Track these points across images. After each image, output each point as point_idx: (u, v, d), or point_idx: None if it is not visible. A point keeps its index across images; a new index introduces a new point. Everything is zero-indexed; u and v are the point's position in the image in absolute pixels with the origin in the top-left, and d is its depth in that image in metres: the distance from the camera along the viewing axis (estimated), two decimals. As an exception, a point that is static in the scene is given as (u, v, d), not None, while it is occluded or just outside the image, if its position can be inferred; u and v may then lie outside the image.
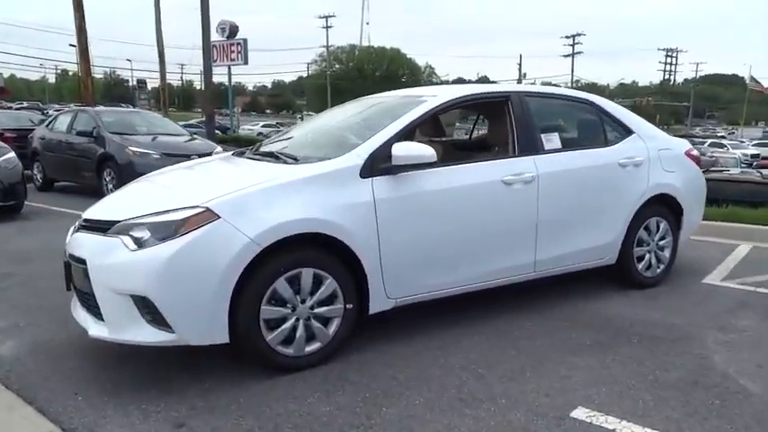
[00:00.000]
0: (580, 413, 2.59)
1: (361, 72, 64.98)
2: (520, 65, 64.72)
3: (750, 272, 4.89)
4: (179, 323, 2.72)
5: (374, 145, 3.20)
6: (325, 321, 3.05)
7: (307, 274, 2.94)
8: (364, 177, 3.13)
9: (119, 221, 2.87)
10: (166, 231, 2.74)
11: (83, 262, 2.89)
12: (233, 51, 23.98)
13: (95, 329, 2.88)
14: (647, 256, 4.35)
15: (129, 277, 2.73)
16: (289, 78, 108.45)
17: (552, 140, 3.85)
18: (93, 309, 2.91)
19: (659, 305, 4.05)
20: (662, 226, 4.39)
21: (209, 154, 9.10)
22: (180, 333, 2.73)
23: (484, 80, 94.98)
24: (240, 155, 3.93)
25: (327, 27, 60.68)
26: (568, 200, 3.84)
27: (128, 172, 8.53)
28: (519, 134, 3.73)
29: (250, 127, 39.86)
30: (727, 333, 3.54)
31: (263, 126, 40.76)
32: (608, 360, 3.14)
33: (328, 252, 3.01)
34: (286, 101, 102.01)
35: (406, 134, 3.33)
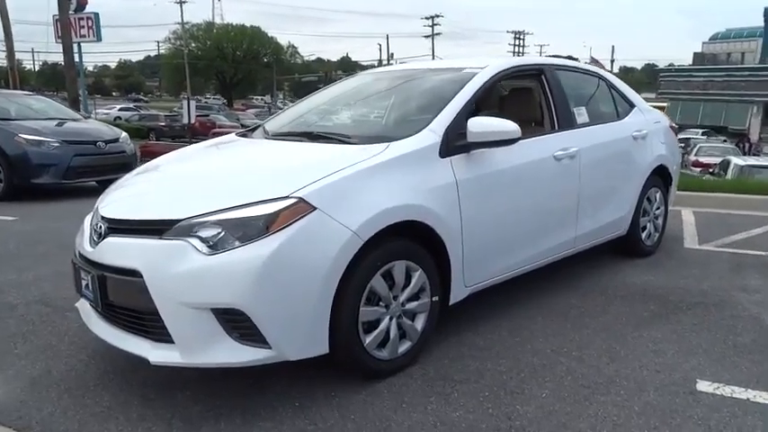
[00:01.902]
0: (704, 386, 2.57)
1: (221, 51, 62.04)
2: (388, 44, 65.67)
3: (715, 235, 5.27)
4: (277, 336, 2.28)
5: (446, 121, 2.91)
6: (413, 317, 2.75)
7: (399, 268, 2.62)
8: (443, 157, 2.84)
9: (179, 220, 2.34)
10: (252, 229, 2.28)
11: (134, 273, 2.33)
12: (83, 27, 21.65)
13: (159, 355, 2.34)
14: (648, 225, 4.50)
15: (209, 287, 2.24)
16: (136, 58, 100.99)
17: (582, 114, 3.80)
18: (154, 329, 2.36)
19: (672, 272, 4.20)
20: (658, 196, 4.56)
21: (117, 140, 8.13)
22: (278, 348, 2.30)
23: (347, 61, 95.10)
24: (260, 136, 3.45)
25: (182, 2, 56.90)
26: (601, 174, 3.84)
27: (21, 165, 7.31)
28: (557, 108, 3.63)
29: (105, 111, 36.38)
30: (751, 294, 3.75)
31: (120, 110, 37.54)
32: (679, 330, 3.18)
33: (417, 241, 2.70)
34: (135, 82, 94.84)
35: (471, 109, 3.08)
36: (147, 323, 2.38)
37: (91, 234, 2.65)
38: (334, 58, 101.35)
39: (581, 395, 2.50)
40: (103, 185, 8.49)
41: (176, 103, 57.34)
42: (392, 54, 64.33)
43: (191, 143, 20.33)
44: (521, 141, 3.12)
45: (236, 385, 2.59)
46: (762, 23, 42.26)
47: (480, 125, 2.88)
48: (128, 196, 2.74)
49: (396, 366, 2.68)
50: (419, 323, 2.76)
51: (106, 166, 7.84)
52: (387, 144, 2.72)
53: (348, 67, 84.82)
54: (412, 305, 2.71)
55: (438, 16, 64.13)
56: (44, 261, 4.64)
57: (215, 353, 2.28)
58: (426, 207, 2.68)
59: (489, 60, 3.42)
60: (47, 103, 8.94)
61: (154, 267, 2.30)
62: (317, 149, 2.90)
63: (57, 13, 18.17)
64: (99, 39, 21.56)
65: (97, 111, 35.54)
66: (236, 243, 2.27)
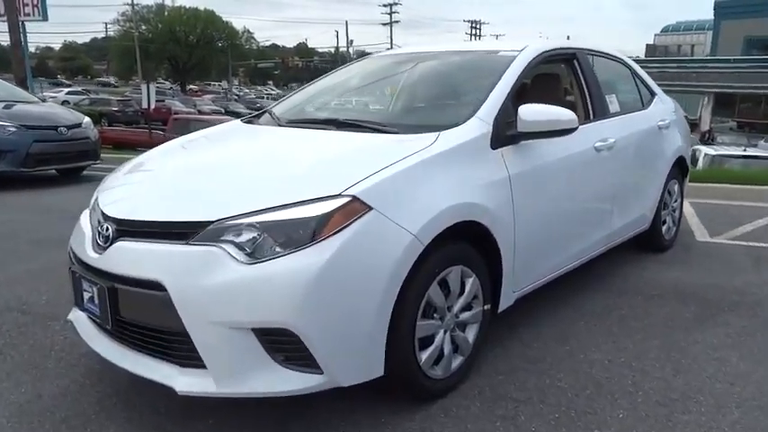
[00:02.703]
0: (787, 400, 2.36)
1: (173, 35, 59.92)
2: (347, 31, 64.93)
3: (723, 227, 5.15)
4: (330, 359, 1.94)
5: (494, 108, 2.60)
6: (464, 329, 2.45)
7: (455, 274, 2.31)
8: (494, 148, 2.53)
9: (209, 222, 1.96)
10: (299, 233, 1.92)
11: (156, 286, 1.94)
12: (27, 4, 20.33)
13: (188, 383, 1.96)
14: (668, 219, 4.32)
15: (250, 303, 1.88)
16: (82, 40, 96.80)
17: (614, 102, 3.55)
18: (180, 352, 1.99)
19: (696, 267, 4.02)
20: (676, 188, 4.38)
21: (79, 125, 7.52)
22: (330, 373, 1.95)
23: (303, 47, 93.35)
24: (271, 123, 3.06)
25: (132, -19, 54.43)
26: (633, 166, 3.61)
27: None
28: (592, 95, 3.37)
29: (52, 94, 34.49)
30: (786, 291, 3.61)
31: (68, 93, 35.70)
32: (732, 334, 2.97)
33: (471, 244, 2.39)
34: (81, 65, 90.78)
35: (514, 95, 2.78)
36: (172, 344, 2.00)
37: (95, 237, 2.23)
38: (291, 44, 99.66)
39: (660, 415, 2.25)
40: (65, 175, 8.01)
41: (127, 88, 55.31)
42: (351, 41, 63.52)
43: (149, 130, 19.43)
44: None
45: (269, 412, 2.24)
46: (711, 17, 43.44)
47: (534, 113, 2.58)
48: (138, 193, 2.32)
49: (449, 385, 2.38)
50: (471, 335, 2.47)
51: (68, 154, 7.24)
52: (436, 134, 2.39)
53: (305, 53, 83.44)
54: (465, 316, 2.41)
55: (396, 4, 63.61)
56: (13, 259, 4.13)
57: (257, 380, 1.93)
58: (484, 205, 2.37)
59: (526, 42, 3.11)
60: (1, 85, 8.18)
61: (181, 279, 1.92)
62: (352, 140, 2.54)
63: (-2, -11, 16.96)
64: (45, 17, 20.26)
65: (44, 94, 33.70)
66: (278, 249, 1.92)
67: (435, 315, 2.26)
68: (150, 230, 2.07)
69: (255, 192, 2.07)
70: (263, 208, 1.97)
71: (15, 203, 6.28)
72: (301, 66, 67.50)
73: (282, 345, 1.93)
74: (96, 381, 2.50)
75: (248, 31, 71.37)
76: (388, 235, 2.01)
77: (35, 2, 20.00)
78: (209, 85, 72.86)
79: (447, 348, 2.33)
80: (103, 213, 2.23)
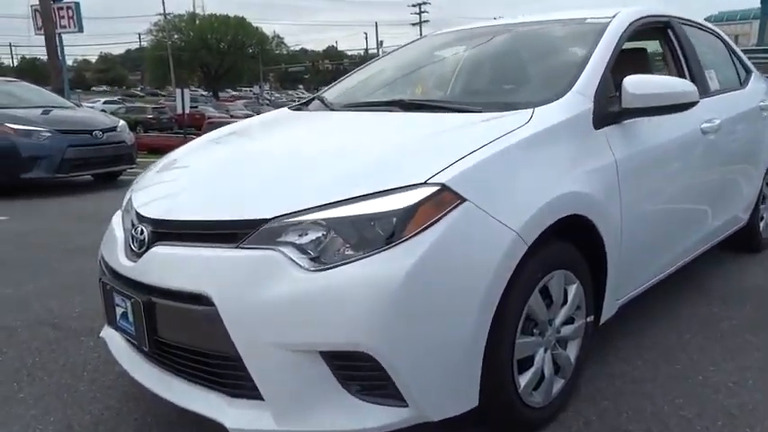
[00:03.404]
0: None
1: (205, 42, 60.56)
2: (377, 32, 64.72)
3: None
4: (417, 389, 1.55)
5: (594, 80, 2.18)
6: (566, 346, 2.04)
7: (557, 281, 1.90)
8: (597, 128, 2.11)
9: (264, 221, 1.60)
10: (377, 232, 1.54)
11: (200, 300, 1.59)
12: (63, 17, 20.54)
13: (241, 417, 1.59)
14: (765, 214, 3.81)
15: (316, 321, 1.50)
16: (117, 51, 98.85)
17: (713, 79, 3.09)
18: (231, 379, 1.62)
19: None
20: (774, 178, 3.87)
21: (114, 129, 7.31)
22: (417, 406, 1.56)
23: (333, 50, 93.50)
24: (324, 108, 2.70)
25: (164, -7, 55.24)
26: (737, 152, 3.14)
27: (9, 158, 6.47)
28: (692, 70, 2.91)
29: (89, 105, 35.04)
30: None
31: (104, 103, 36.28)
32: None
33: (574, 244, 1.98)
34: (116, 76, 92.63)
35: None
36: (221, 370, 1.64)
37: (128, 242, 1.89)
38: (320, 48, 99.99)
39: (823, 453, 1.80)
40: (101, 180, 7.81)
41: (160, 97, 55.99)
42: (381, 42, 63.24)
43: (185, 136, 19.48)
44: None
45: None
46: (756, 5, 41.88)
47: (642, 85, 2.15)
48: (176, 190, 1.96)
49: (549, 415, 1.97)
50: (573, 353, 2.05)
51: (104, 158, 7.03)
52: (530, 111, 1.98)
53: (335, 56, 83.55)
54: (567, 330, 2.00)
55: (425, 3, 63.11)
56: (45, 270, 3.86)
57: (325, 415, 1.55)
58: (590, 196, 1.95)
59: (616, 9, 2.68)
60: (33, 90, 8.04)
61: (231, 290, 1.55)
62: (427, 121, 2.15)
63: (35, 3, 17.16)
64: (80, 29, 20.42)
65: (81, 104, 34.19)
66: (349, 252, 1.54)
67: (535, 331, 1.85)
68: (192, 232, 1.71)
69: (318, 183, 1.69)
70: (331, 202, 1.59)
71: (48, 210, 6.07)
72: (331, 68, 67.50)
73: (358, 372, 1.55)
74: (134, 407, 2.16)
75: (278, 36, 71.97)
76: (485, 233, 1.62)
77: (71, 14, 20.23)
78: (240, 90, 73.44)
79: (548, 370, 1.92)
80: (138, 214, 1.89)
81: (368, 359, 1.50)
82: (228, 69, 63.70)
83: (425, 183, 1.59)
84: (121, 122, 7.64)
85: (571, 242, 1.95)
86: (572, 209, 1.87)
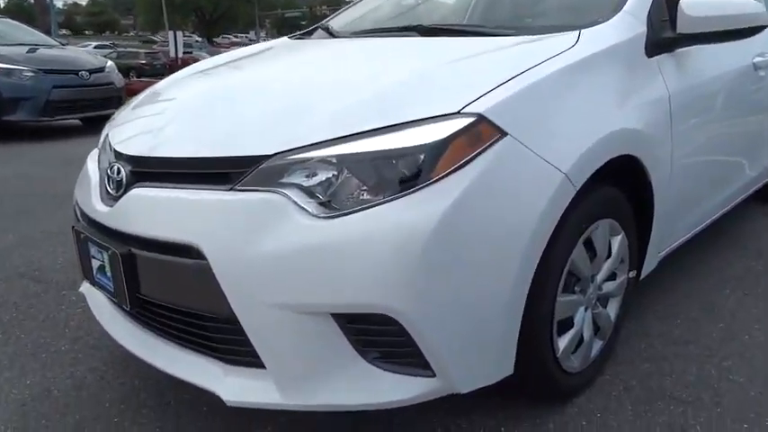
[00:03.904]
0: None
1: (199, -16, 58.50)
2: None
3: None
4: (447, 357, 1.31)
5: (645, 1, 1.87)
6: (606, 304, 1.81)
7: (602, 231, 1.65)
8: (650, 56, 1.82)
9: (264, 157, 1.33)
10: (401, 171, 1.27)
11: (189, 252, 1.33)
12: (49, -45, 19.70)
13: (239, 388, 1.36)
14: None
15: (327, 277, 1.25)
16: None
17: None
18: (226, 344, 1.39)
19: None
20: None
21: (102, 69, 6.92)
22: (445, 375, 1.33)
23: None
24: (330, 37, 2.38)
25: (155, -69, 52.88)
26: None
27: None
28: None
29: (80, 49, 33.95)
30: None
31: (95, 47, 35.22)
32: None
33: (619, 189, 1.71)
34: (108, 20, 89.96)
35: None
36: (215, 333, 1.40)
37: (103, 183, 1.62)
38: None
39: None
40: (90, 125, 7.45)
41: (153, 44, 54.39)
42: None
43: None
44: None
45: (348, 419, 1.65)
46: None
47: (703, 6, 1.85)
48: (160, 124, 1.64)
49: (586, 380, 1.75)
50: (613, 312, 1.82)
51: (92, 101, 6.67)
52: (575, 33, 1.68)
53: (333, 1, 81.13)
54: (608, 287, 1.76)
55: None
56: (27, 218, 3.60)
57: (339, 386, 1.32)
58: (643, 134, 1.68)
59: None
60: (15, 27, 7.57)
61: (225, 241, 1.30)
62: (454, 45, 1.84)
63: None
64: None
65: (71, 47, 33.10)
66: (367, 196, 1.28)
67: (577, 288, 1.61)
68: (178, 172, 1.44)
69: (328, 114, 1.41)
70: (344, 135, 1.32)
71: (33, 155, 5.76)
72: (329, 14, 65.55)
73: (377, 336, 1.31)
74: (121, 369, 1.94)
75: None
76: (529, 174, 1.35)
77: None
78: (236, 36, 71.52)
79: (587, 332, 1.69)
80: (116, 152, 1.61)
81: (389, 322, 1.26)
82: (223, 14, 61.86)
83: (459, 113, 1.32)
84: (109, 63, 7.23)
85: (617, 187, 1.69)
86: (624, 148, 1.60)
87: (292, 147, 1.32)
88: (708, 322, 2.16)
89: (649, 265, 2.00)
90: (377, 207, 1.25)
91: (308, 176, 1.30)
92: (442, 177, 1.26)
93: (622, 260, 1.78)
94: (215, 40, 62.50)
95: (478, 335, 1.35)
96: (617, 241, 1.72)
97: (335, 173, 1.30)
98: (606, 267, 1.71)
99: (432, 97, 1.38)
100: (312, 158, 1.31)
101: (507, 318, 1.37)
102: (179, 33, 16.38)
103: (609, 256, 1.71)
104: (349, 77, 1.66)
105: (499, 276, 1.32)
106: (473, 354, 1.36)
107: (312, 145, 1.32)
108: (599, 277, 1.69)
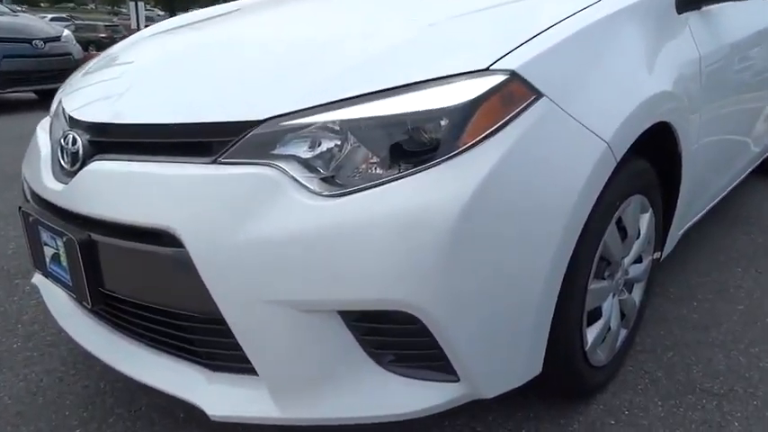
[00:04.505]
0: None
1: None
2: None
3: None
4: (474, 359, 1.12)
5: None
6: (632, 289, 1.64)
7: (633, 209, 1.46)
8: (680, 12, 1.63)
9: (254, 123, 1.09)
10: (421, 139, 1.06)
11: (161, 238, 1.10)
12: None
13: (226, 401, 1.15)
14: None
15: (333, 268, 1.03)
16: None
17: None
18: (209, 347, 1.17)
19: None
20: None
21: (58, 39, 6.47)
22: (472, 380, 1.14)
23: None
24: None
25: None
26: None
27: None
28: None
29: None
30: None
31: (51, 20, 33.77)
32: None
33: (649, 161, 1.53)
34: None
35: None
36: (195, 335, 1.18)
37: (56, 156, 1.36)
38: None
39: None
40: (46, 98, 6.99)
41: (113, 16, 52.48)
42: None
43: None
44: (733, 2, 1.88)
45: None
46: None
47: None
48: (122, 88, 1.37)
49: (611, 373, 1.58)
50: (638, 297, 1.65)
51: (47, 72, 6.22)
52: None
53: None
54: (636, 270, 1.59)
55: None
56: (-26, 198, 3.27)
57: (348, 395, 1.11)
58: (679, 99, 1.49)
59: None
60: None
61: (207, 225, 1.07)
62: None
63: None
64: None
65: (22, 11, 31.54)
66: (378, 170, 1.06)
67: (606, 273, 1.43)
68: (150, 141, 1.19)
69: (330, 72, 1.18)
70: (350, 96, 1.09)
71: (-15, 130, 5.34)
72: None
73: (393, 337, 1.10)
74: (83, 370, 1.70)
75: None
76: (569, 143, 1.15)
77: None
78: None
79: (615, 321, 1.52)
80: (71, 119, 1.35)
81: (410, 320, 1.06)
82: (186, -14, 59.86)
83: (488, 69, 1.10)
84: (66, 32, 6.75)
85: (647, 159, 1.50)
86: (662, 114, 1.41)
87: (288, 110, 1.09)
88: (725, 304, 2.02)
89: (671, 243, 1.84)
90: (392, 183, 1.04)
91: (307, 146, 1.08)
92: (471, 147, 1.05)
93: (649, 241, 1.61)
94: (178, 14, 60.57)
95: (509, 331, 1.15)
96: (645, 219, 1.55)
97: (340, 142, 1.07)
98: (635, 249, 1.53)
99: (453, 52, 1.16)
100: (312, 124, 1.08)
101: (540, 310, 1.18)
102: (140, 4, 15.63)
103: (638, 236, 1.53)
104: (352, 29, 1.42)
105: (534, 264, 1.13)
106: (502, 353, 1.17)
107: (311, 108, 1.09)
108: (627, 260, 1.51)
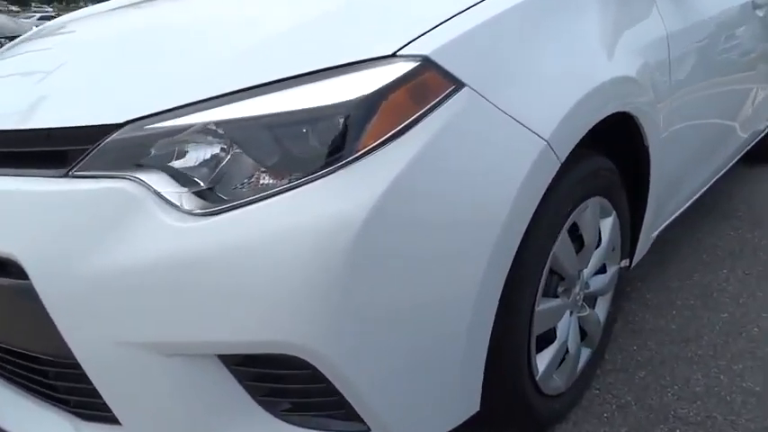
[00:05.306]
0: None
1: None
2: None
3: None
4: (385, 405, 0.93)
5: None
6: (594, 304, 1.45)
7: (591, 213, 1.27)
8: (645, -16, 1.43)
9: (113, 127, 0.90)
10: (314, 142, 0.87)
11: (7, 268, 0.91)
12: None
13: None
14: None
15: (210, 305, 0.84)
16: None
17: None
18: (72, 395, 0.98)
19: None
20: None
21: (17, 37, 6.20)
22: (385, 427, 0.95)
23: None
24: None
25: None
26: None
27: None
28: None
29: (23, 20, 32.06)
30: None
31: (39, 18, 33.44)
32: None
33: (611, 158, 1.34)
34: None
35: None
36: (56, 379, 0.99)
37: None
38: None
39: None
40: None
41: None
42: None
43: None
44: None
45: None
46: None
47: None
48: None
49: (572, 400, 1.40)
50: (602, 312, 1.46)
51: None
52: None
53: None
54: (597, 282, 1.40)
55: None
56: None
57: (233, 451, 0.92)
58: (641, 85, 1.30)
59: None
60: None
61: (54, 252, 0.87)
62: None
63: None
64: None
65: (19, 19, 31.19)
66: (266, 180, 0.87)
67: (560, 289, 1.24)
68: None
69: (208, 64, 0.99)
70: (229, 92, 0.90)
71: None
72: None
73: (285, 384, 0.91)
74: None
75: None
76: (498, 141, 0.96)
77: None
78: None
79: (573, 342, 1.32)
80: None
81: (299, 365, 0.86)
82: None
83: (395, 55, 0.91)
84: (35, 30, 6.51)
85: (606, 155, 1.31)
86: (618, 104, 1.22)
87: (153, 111, 0.90)
88: (708, 312, 1.83)
89: (643, 248, 1.65)
90: (274, 198, 0.84)
91: (180, 154, 0.89)
92: (373, 150, 0.86)
93: (614, 248, 1.41)
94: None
95: (430, 367, 0.96)
96: (608, 224, 1.35)
97: (220, 148, 0.88)
98: (596, 259, 1.34)
99: (354, 37, 0.97)
100: (184, 127, 0.89)
101: (471, 341, 0.99)
102: None
103: (599, 243, 1.34)
104: (236, 18, 1.21)
105: (458, 288, 0.93)
106: (423, 393, 0.97)
107: (183, 107, 0.90)
108: (586, 272, 1.32)
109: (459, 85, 0.92)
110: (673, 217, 1.90)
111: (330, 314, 0.83)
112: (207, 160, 0.88)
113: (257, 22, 1.10)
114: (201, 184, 0.88)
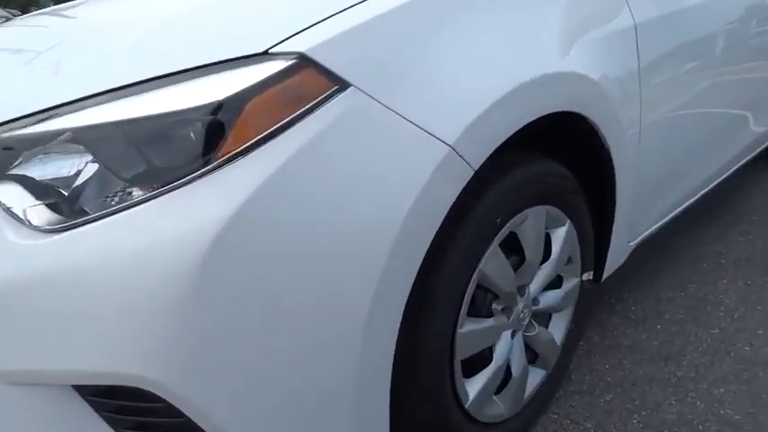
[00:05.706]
0: None
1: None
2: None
3: None
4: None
5: None
6: (548, 322, 1.32)
7: (534, 223, 1.14)
8: (605, -34, 1.29)
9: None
10: (171, 149, 0.78)
11: None
12: None
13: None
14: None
15: (56, 331, 0.76)
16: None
17: None
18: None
19: None
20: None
21: None
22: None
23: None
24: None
25: None
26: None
27: None
28: None
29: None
30: None
31: None
32: None
33: (562, 162, 1.21)
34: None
35: None
36: None
37: None
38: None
39: None
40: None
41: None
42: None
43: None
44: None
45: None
46: None
47: None
48: None
49: (518, 428, 1.27)
50: (559, 331, 1.33)
51: None
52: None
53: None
54: (550, 298, 1.27)
55: None
56: None
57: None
58: (593, 82, 1.16)
59: None
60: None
61: None
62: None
63: None
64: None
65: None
66: (132, 192, 0.78)
67: (495, 308, 1.12)
68: None
69: (61, 68, 0.92)
70: (82, 97, 0.82)
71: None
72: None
73: (145, 415, 0.83)
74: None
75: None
76: (391, 147, 0.85)
77: None
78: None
79: (518, 364, 1.20)
80: None
81: (152, 398, 0.78)
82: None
83: (266, 53, 0.81)
84: None
85: (556, 160, 1.18)
86: (562, 104, 1.09)
87: (4, 119, 0.83)
88: (697, 327, 1.67)
89: (617, 258, 1.50)
90: (125, 212, 0.76)
91: (27, 166, 0.81)
92: (240, 154, 0.77)
93: (570, 260, 1.28)
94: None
95: (315, 407, 0.86)
96: (559, 235, 1.22)
97: (74, 159, 0.80)
98: (544, 274, 1.21)
99: (227, 33, 0.88)
100: (31, 136, 0.81)
101: (365, 375, 0.88)
102: None
103: (548, 256, 1.21)
104: (108, 18, 1.13)
105: (342, 312, 0.83)
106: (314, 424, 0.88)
107: (30, 115, 0.82)
108: (532, 288, 1.20)
109: (343, 84, 0.82)
110: (661, 223, 1.74)
111: (183, 344, 0.75)
112: (64, 179, 0.81)
113: (128, 23, 1.02)
114: (53, 198, 0.80)
